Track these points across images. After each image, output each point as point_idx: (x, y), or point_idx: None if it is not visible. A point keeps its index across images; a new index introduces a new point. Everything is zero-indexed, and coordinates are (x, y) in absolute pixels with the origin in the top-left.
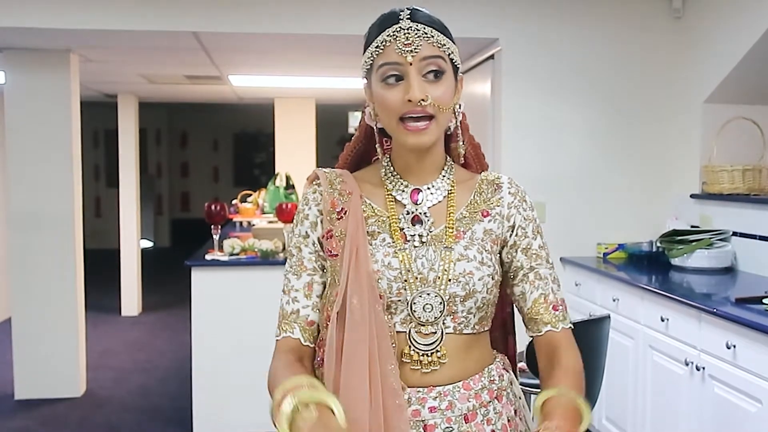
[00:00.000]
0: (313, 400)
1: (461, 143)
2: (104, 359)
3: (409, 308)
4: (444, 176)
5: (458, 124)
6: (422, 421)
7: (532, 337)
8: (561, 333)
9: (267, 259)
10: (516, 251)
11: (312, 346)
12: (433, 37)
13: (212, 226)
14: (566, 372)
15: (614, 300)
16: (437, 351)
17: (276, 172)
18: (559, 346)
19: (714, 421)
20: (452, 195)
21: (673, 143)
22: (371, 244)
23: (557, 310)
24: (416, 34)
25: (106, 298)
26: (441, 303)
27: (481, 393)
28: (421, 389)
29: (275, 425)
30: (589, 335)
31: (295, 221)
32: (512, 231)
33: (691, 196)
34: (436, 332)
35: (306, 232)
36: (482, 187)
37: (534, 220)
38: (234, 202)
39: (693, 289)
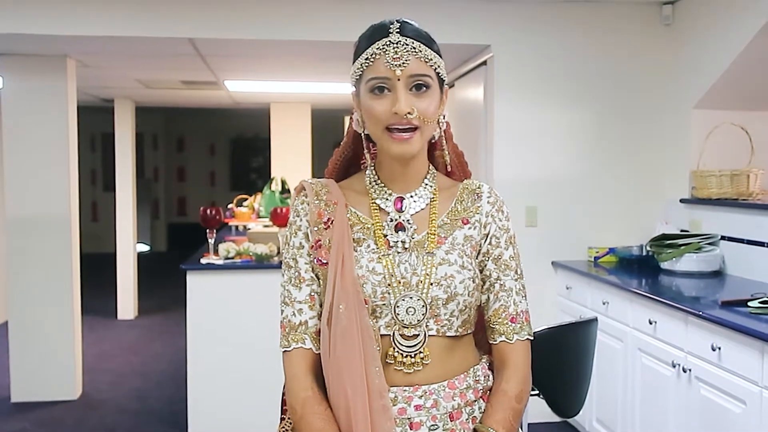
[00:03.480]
0: None
1: (446, 152)
2: (100, 362)
3: (393, 312)
4: (427, 184)
5: (442, 133)
6: (408, 419)
7: (490, 343)
8: (514, 345)
9: (262, 263)
10: (487, 260)
11: (318, 352)
12: (420, 51)
13: (208, 231)
14: (502, 399)
15: (604, 303)
16: (420, 352)
17: (272, 177)
18: (509, 360)
19: (700, 421)
20: (434, 202)
21: (662, 148)
22: (356, 251)
23: (514, 323)
24: (405, 48)
25: (103, 302)
26: (423, 306)
27: (466, 392)
28: (407, 388)
29: None
30: (577, 337)
31: (288, 232)
32: (486, 239)
33: (681, 200)
34: (419, 335)
35: (300, 242)
36: (463, 196)
37: (508, 230)
38: (230, 206)
39: (681, 292)
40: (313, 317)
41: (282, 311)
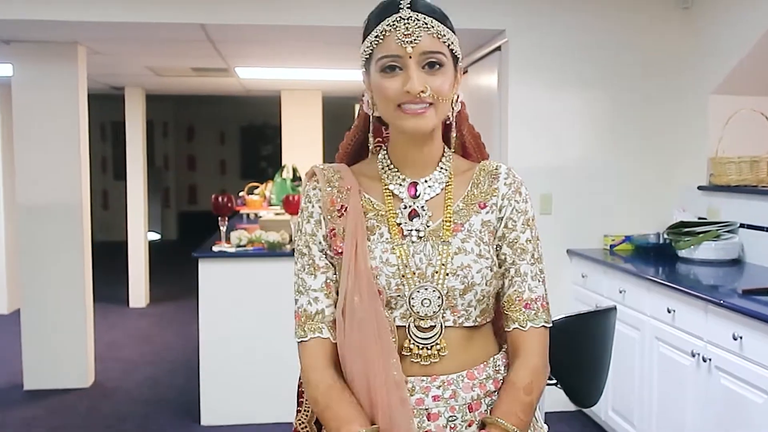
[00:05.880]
0: None
1: (454, 135)
2: (112, 350)
3: (407, 303)
4: (442, 168)
5: (455, 115)
6: (426, 409)
7: (505, 331)
8: (528, 332)
9: (274, 251)
10: (503, 244)
11: (336, 341)
12: (433, 27)
13: (219, 218)
14: (510, 390)
15: (621, 291)
16: (437, 344)
17: (283, 164)
18: (521, 348)
19: (720, 412)
20: (450, 186)
21: (680, 134)
22: (369, 240)
23: (529, 309)
24: (416, 24)
25: (114, 290)
26: (439, 297)
27: (485, 382)
28: (424, 378)
29: None
30: (595, 327)
31: (300, 219)
32: (502, 222)
33: (699, 187)
34: (435, 326)
35: (313, 229)
36: (480, 178)
37: (526, 212)
38: (241, 194)
39: (700, 280)
40: (329, 305)
41: (296, 300)
